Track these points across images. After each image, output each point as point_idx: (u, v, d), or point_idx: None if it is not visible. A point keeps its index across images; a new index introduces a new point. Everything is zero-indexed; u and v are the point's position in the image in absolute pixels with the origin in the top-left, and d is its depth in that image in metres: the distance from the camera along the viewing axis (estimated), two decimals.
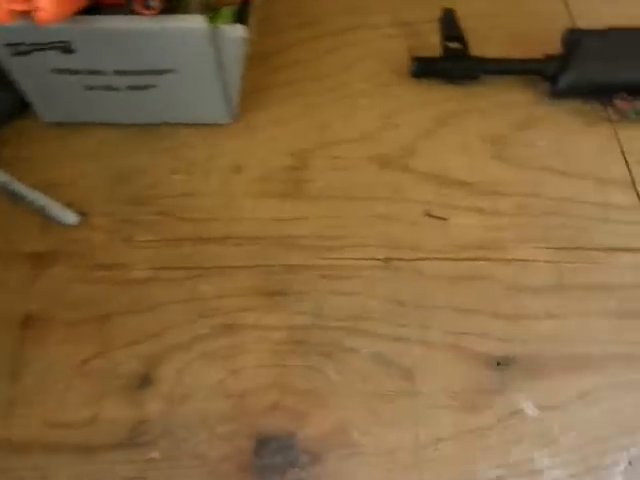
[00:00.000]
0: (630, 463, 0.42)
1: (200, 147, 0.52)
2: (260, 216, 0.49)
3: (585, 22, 0.62)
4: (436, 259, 0.48)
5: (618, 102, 0.55)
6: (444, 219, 0.50)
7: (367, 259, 0.48)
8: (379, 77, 0.57)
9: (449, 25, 0.56)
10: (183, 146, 0.52)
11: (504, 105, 0.56)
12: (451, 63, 0.55)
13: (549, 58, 0.56)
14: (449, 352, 0.45)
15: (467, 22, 0.60)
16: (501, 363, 0.45)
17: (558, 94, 0.56)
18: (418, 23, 0.60)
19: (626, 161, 0.54)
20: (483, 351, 0.45)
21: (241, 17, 0.47)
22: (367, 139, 0.53)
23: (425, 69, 0.55)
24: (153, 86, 0.48)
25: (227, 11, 0.47)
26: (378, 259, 0.48)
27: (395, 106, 0.55)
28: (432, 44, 0.58)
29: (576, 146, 0.55)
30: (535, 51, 0.57)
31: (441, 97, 0.56)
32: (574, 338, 0.46)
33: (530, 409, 0.43)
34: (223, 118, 0.52)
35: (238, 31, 0.46)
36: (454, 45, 0.56)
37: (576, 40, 0.55)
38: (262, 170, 0.51)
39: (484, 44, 0.59)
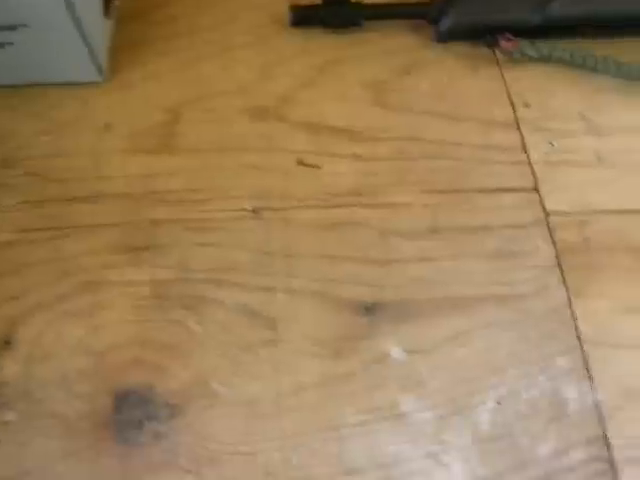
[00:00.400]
0: (498, 402, 0.41)
1: (70, 107, 0.51)
2: (129, 173, 0.48)
3: None
4: (307, 207, 0.47)
5: (503, 43, 0.54)
6: (317, 167, 0.49)
7: (235, 210, 0.47)
8: (260, 29, 0.55)
9: None
10: (52, 107, 0.51)
11: (388, 51, 0.55)
12: (329, 10, 0.54)
13: (434, 0, 0.54)
14: (315, 300, 0.44)
15: None
16: (370, 309, 0.44)
17: (442, 38, 0.55)
18: None
19: (512, 102, 0.53)
20: (351, 297, 0.44)
21: None
22: (243, 91, 0.52)
23: (303, 18, 0.54)
24: (10, 43, 0.47)
25: None
26: (246, 210, 0.47)
27: (274, 57, 0.54)
28: None
29: (460, 90, 0.53)
30: None
31: (322, 46, 0.55)
32: (446, 281, 0.45)
33: (397, 353, 0.42)
34: (92, 76, 0.51)
35: None
36: None
37: None
38: (133, 127, 0.50)
39: None
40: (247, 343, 0.42)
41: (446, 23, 0.53)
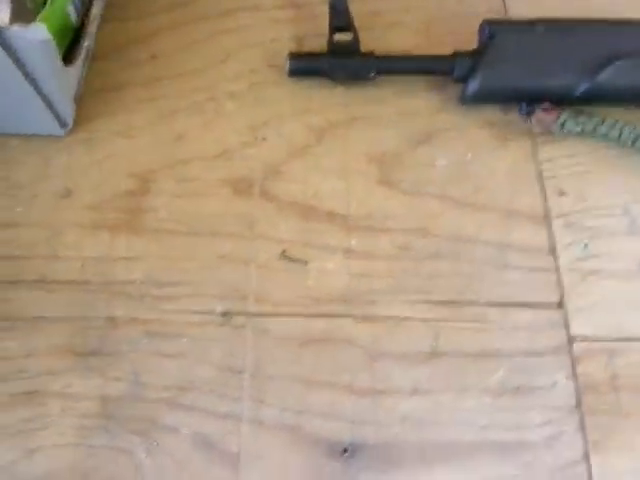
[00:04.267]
0: None
1: (29, 165, 0.44)
2: (86, 255, 0.41)
3: (524, 9, 0.51)
4: (286, 315, 0.40)
5: (540, 113, 0.45)
6: (303, 262, 0.41)
7: (203, 313, 0.40)
8: (254, 74, 0.47)
9: (338, 12, 0.46)
10: (10, 162, 0.44)
11: (402, 114, 0.47)
12: (335, 61, 0.45)
13: (458, 55, 0.45)
14: (285, 435, 0.37)
15: (375, 4, 0.50)
16: (348, 450, 0.37)
17: (468, 100, 0.46)
18: (313, 4, 0.49)
19: (543, 188, 0.45)
20: (327, 435, 0.38)
21: None
22: (226, 157, 0.44)
23: (303, 67, 0.46)
24: None
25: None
26: (216, 313, 0.40)
27: (267, 114, 0.46)
28: (327, 32, 0.48)
29: (484, 168, 0.45)
30: (453, 44, 0.47)
31: (325, 102, 0.46)
32: (441, 421, 0.38)
33: None
34: (53, 130, 0.44)
35: (36, 33, 0.37)
36: (342, 37, 0.46)
37: (492, 34, 0.45)
38: (96, 195, 0.43)
39: (391, 33, 0.49)
40: None
41: (475, 84, 0.45)
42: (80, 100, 0.45)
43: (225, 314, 0.40)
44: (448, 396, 0.39)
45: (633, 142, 0.46)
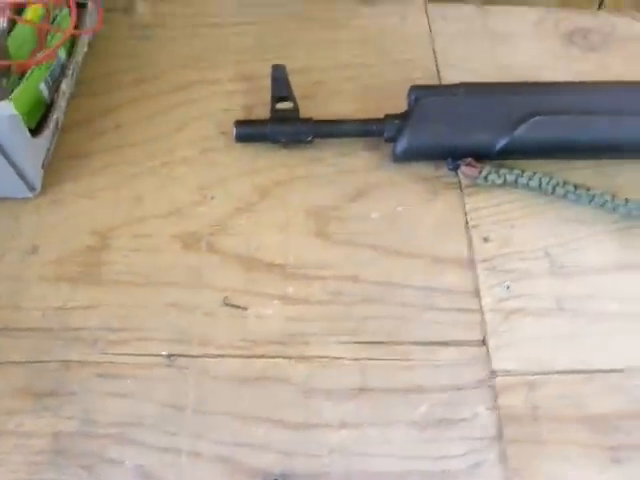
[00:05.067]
0: None
1: (0, 223, 0.49)
2: (48, 305, 0.46)
3: (455, 74, 0.56)
4: (226, 356, 0.44)
5: (464, 168, 0.50)
6: (244, 309, 0.45)
7: (150, 355, 0.44)
8: (206, 141, 0.52)
9: (279, 83, 0.51)
10: None
11: (340, 172, 0.51)
12: (276, 126, 0.50)
13: (388, 118, 0.50)
14: (219, 466, 0.40)
15: (318, 75, 0.56)
16: None
17: (398, 158, 0.51)
18: (261, 77, 0.55)
19: (469, 235, 0.49)
20: (259, 466, 0.40)
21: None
22: (177, 215, 0.49)
23: (249, 133, 0.51)
24: None
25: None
26: (162, 355, 0.43)
27: (216, 176, 0.51)
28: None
29: (414, 219, 0.49)
30: (388, 108, 0.52)
31: (269, 164, 0.51)
32: (368, 452, 0.41)
33: None
34: (23, 193, 0.49)
35: (5, 109, 0.42)
36: (284, 106, 0.51)
37: (417, 98, 0.49)
38: (60, 251, 0.48)
39: (332, 100, 0.54)
40: None
41: (402, 144, 0.49)
42: (49, 166, 0.50)
43: (170, 356, 0.43)
44: (375, 429, 0.42)
45: (552, 190, 0.50)
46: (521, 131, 0.49)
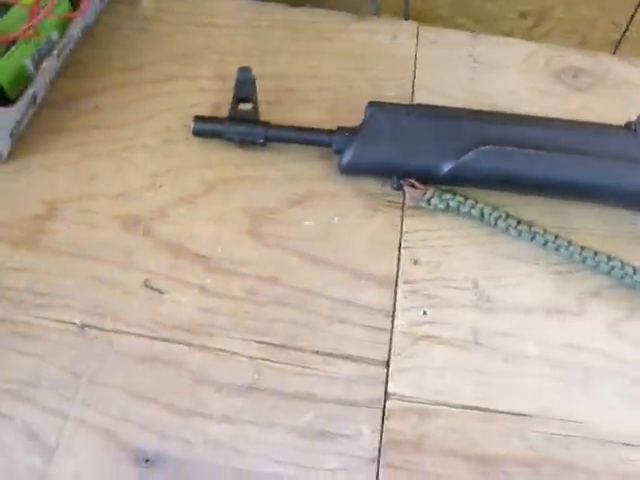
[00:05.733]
0: None
1: None
2: None
3: (428, 97, 0.56)
4: (133, 334, 0.45)
5: (408, 188, 0.49)
6: (161, 293, 0.47)
7: (64, 322, 0.46)
8: (169, 132, 0.54)
9: (243, 85, 0.53)
10: None
11: (288, 177, 0.52)
12: (232, 126, 0.52)
13: (339, 130, 0.51)
14: (100, 437, 0.42)
15: (292, 83, 0.57)
16: (150, 460, 0.41)
17: (344, 171, 0.51)
18: None
19: (399, 256, 0.48)
20: (137, 444, 0.42)
21: None
22: (125, 196, 0.51)
23: (205, 129, 0.52)
24: None
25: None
26: (75, 324, 0.46)
27: (170, 165, 0.53)
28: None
29: (347, 232, 0.50)
30: (354, 122, 0.52)
31: (223, 161, 0.53)
32: (243, 450, 0.41)
33: None
34: None
35: None
36: (245, 107, 0.52)
37: (372, 113, 0.50)
38: (10, 215, 0.50)
39: (300, 108, 0.55)
40: (16, 470, 0.41)
41: (348, 157, 0.50)
42: (24, 137, 0.54)
43: (83, 326, 0.45)
44: (255, 428, 0.42)
45: (495, 223, 0.49)
46: (467, 158, 0.48)
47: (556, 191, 0.50)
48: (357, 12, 0.63)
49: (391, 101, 0.53)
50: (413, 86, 0.58)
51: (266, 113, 0.54)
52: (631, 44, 0.67)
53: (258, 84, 0.54)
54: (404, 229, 0.50)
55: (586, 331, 0.46)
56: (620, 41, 0.67)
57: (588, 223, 0.50)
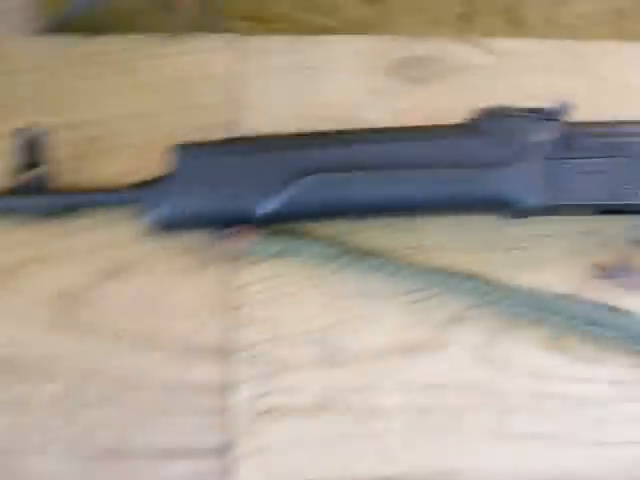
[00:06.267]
0: None
1: None
2: None
3: (256, 120, 0.49)
4: None
5: (232, 238, 0.43)
6: None
7: None
8: None
9: (29, 148, 0.45)
10: None
11: (98, 246, 0.45)
12: (17, 200, 0.44)
13: (144, 184, 0.44)
14: None
15: (95, 129, 0.49)
16: None
17: (158, 229, 0.44)
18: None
19: (231, 318, 0.42)
20: None
21: None
22: None
23: None
24: None
25: None
26: None
27: None
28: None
29: (172, 299, 0.43)
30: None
31: (18, 240, 0.45)
32: None
33: None
34: None
35: None
36: (33, 173, 0.45)
37: (180, 158, 0.43)
38: None
39: (105, 159, 0.48)
40: None
41: (159, 213, 0.43)
42: None
43: None
44: None
45: (337, 258, 0.43)
46: (292, 192, 0.42)
47: (399, 211, 0.44)
48: (174, 31, 0.56)
49: (215, 132, 0.46)
50: (237, 110, 0.51)
51: (70, 172, 0.46)
52: (482, 16, 0.61)
53: (57, 137, 0.46)
54: (237, 284, 0.43)
55: (450, 365, 0.41)
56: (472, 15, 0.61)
57: (443, 239, 0.45)
